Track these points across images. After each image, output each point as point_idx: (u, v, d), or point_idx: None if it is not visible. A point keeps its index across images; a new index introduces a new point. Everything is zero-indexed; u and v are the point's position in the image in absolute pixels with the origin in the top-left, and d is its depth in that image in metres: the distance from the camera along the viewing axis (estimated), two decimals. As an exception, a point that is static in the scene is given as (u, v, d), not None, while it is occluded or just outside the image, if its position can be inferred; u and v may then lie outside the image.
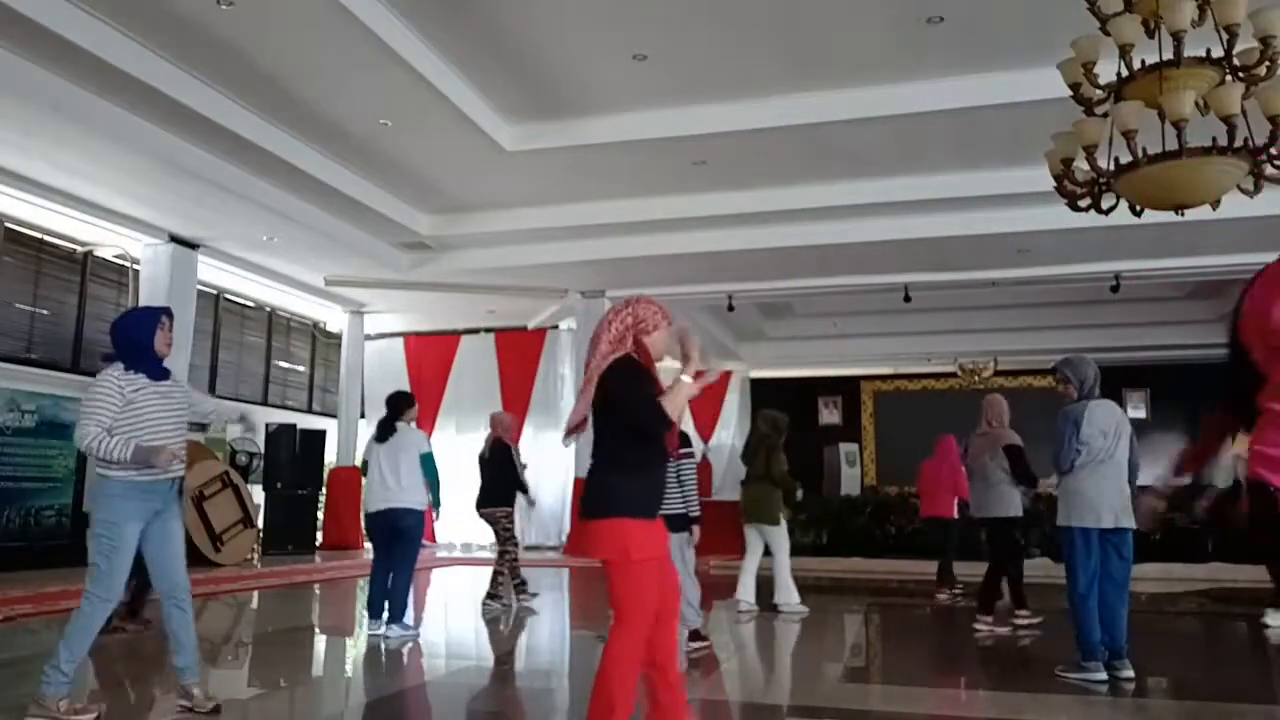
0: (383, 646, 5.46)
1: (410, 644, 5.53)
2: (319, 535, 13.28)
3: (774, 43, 6.95)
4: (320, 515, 13.46)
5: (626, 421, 2.85)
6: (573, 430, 2.96)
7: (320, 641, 6.15)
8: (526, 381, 14.34)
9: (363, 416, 14.57)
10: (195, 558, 9.71)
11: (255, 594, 7.96)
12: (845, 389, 17.87)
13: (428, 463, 5.85)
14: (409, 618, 5.77)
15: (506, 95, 7.90)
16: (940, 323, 14.62)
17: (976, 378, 15.59)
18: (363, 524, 5.52)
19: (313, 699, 4.32)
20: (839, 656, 5.57)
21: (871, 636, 6.46)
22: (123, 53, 6.55)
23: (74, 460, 9.59)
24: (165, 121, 7.59)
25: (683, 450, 5.17)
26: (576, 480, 12.31)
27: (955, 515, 8.39)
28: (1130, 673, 4.36)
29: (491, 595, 7.11)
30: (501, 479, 7.00)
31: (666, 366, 3.12)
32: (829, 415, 17.91)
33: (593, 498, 2.84)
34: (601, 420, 2.89)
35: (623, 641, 2.75)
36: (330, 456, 13.71)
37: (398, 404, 6.00)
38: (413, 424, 6.03)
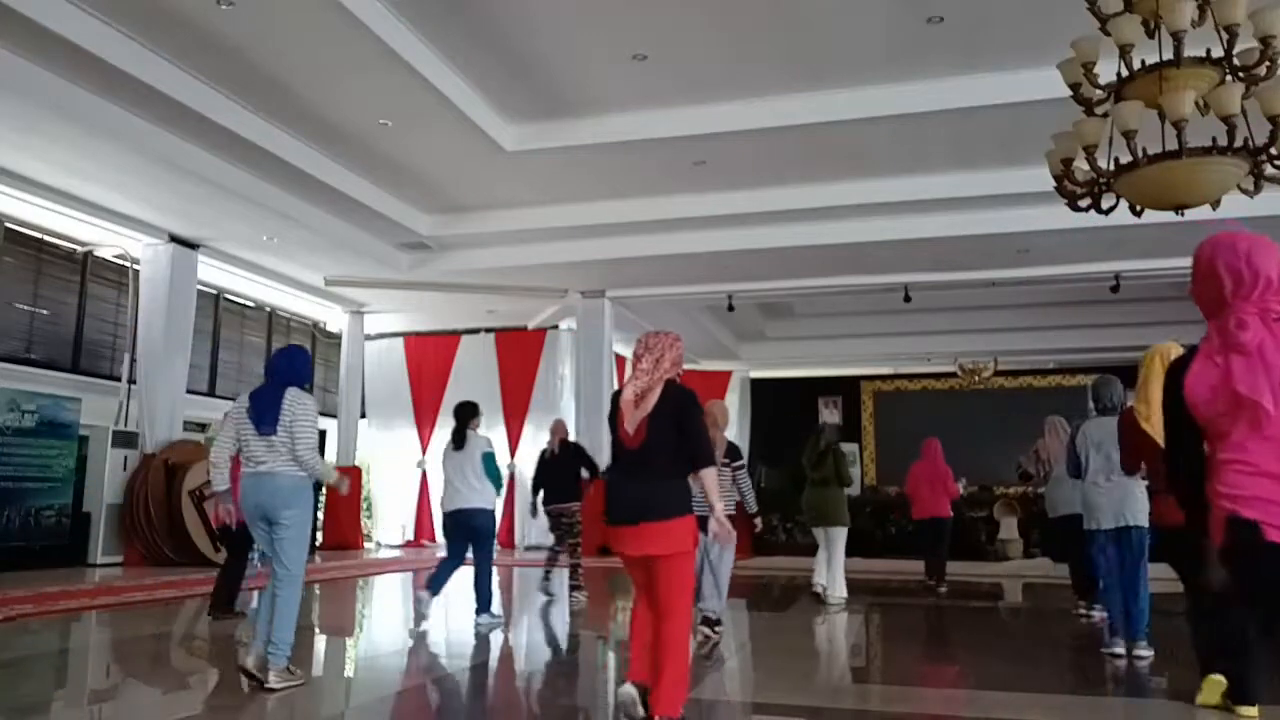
0: (476, 631, 5.98)
1: (497, 630, 6.06)
2: (319, 535, 13.27)
3: (774, 43, 6.95)
4: (320, 515, 13.46)
5: (697, 445, 3.43)
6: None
7: (320, 641, 6.15)
8: (526, 381, 14.35)
9: (363, 416, 14.58)
10: (195, 558, 9.72)
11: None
12: (845, 389, 17.87)
13: (488, 461, 6.24)
14: (495, 607, 6.23)
15: (506, 95, 7.90)
16: (940, 323, 14.62)
17: (976, 378, 15.59)
18: (439, 522, 6.50)
19: (313, 699, 4.32)
20: (839, 656, 5.57)
21: (871, 636, 6.46)
22: (123, 53, 6.55)
23: (74, 460, 9.60)
24: (165, 121, 7.60)
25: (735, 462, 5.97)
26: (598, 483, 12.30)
27: (951, 515, 8.91)
28: (1145, 652, 4.80)
29: (575, 586, 7.67)
30: (573, 476, 7.57)
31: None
32: (829, 415, 17.90)
33: (667, 498, 3.36)
34: (666, 435, 3.39)
35: (688, 623, 3.41)
36: (330, 456, 13.70)
37: (465, 414, 6.33)
38: (477, 430, 6.41)
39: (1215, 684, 3.77)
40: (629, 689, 3.38)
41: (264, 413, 4.21)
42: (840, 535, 7.76)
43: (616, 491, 3.46)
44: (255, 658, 4.07)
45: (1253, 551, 2.08)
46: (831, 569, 7.69)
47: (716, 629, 5.67)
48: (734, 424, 17.69)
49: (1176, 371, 2.30)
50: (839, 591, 7.62)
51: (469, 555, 6.26)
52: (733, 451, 6.02)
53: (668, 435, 3.39)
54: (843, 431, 17.43)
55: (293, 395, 4.27)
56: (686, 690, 3.40)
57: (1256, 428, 2.14)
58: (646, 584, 3.45)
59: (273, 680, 4.04)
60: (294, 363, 4.42)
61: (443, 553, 6.39)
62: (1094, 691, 4.44)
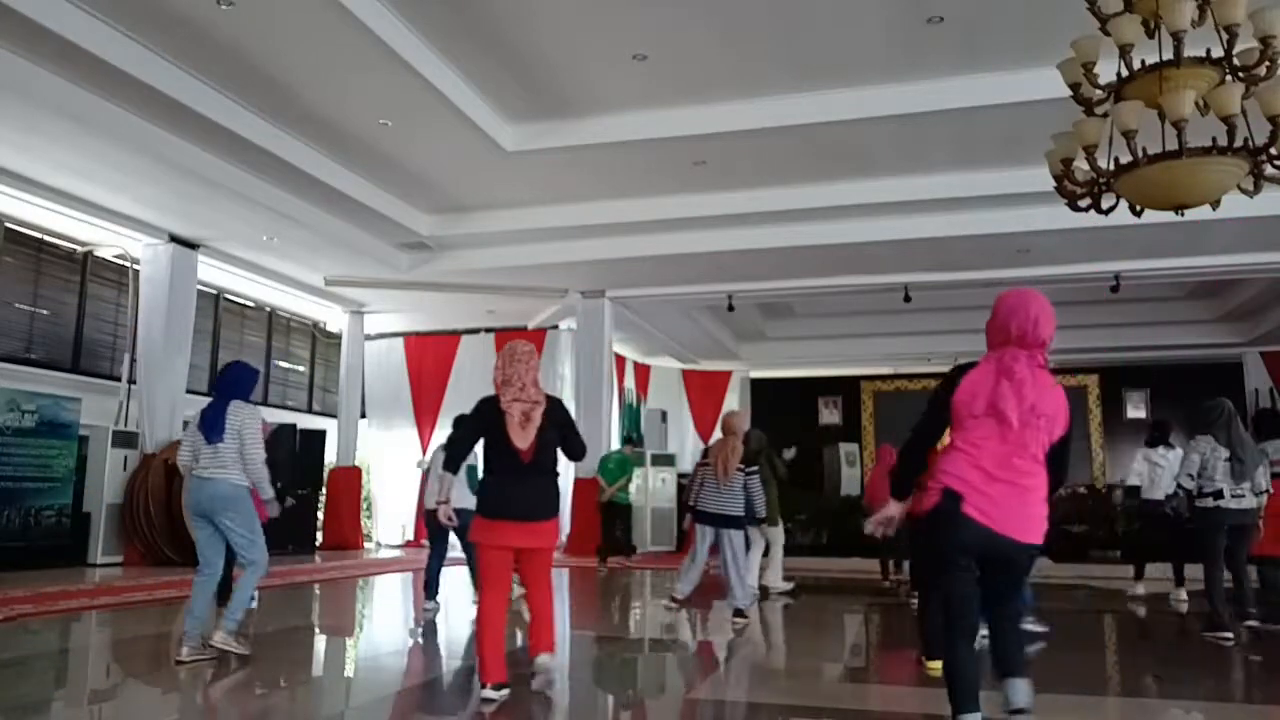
0: (436, 622, 6.41)
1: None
2: (319, 535, 13.27)
3: (774, 43, 6.96)
4: (320, 515, 13.46)
5: (576, 447, 4.12)
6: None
7: (320, 641, 6.15)
8: (526, 381, 14.30)
9: (363, 416, 14.57)
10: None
11: (255, 593, 7.95)
12: (845, 389, 17.85)
13: (472, 473, 6.71)
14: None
15: (506, 95, 7.90)
16: (940, 323, 14.61)
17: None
18: (424, 519, 7.01)
19: (313, 699, 4.32)
20: (839, 656, 5.57)
21: (871, 636, 6.46)
22: (123, 53, 6.55)
23: (74, 460, 9.60)
24: (165, 121, 7.59)
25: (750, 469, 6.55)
26: (578, 481, 12.30)
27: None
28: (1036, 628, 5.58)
29: None
30: None
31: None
32: (829, 415, 17.88)
33: (552, 500, 3.98)
34: (553, 446, 3.98)
35: (551, 585, 4.08)
36: (330, 456, 13.70)
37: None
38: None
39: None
40: (490, 693, 3.77)
41: (211, 424, 4.74)
42: (776, 533, 8.17)
43: (511, 492, 3.88)
44: (189, 649, 4.52)
45: (951, 518, 2.79)
46: (772, 564, 8.15)
47: (740, 619, 6.38)
48: (734, 424, 17.72)
49: (953, 375, 2.99)
50: (780, 582, 8.13)
51: (449, 553, 6.86)
52: (749, 459, 6.51)
53: (554, 446, 3.99)
54: (843, 431, 17.48)
55: (234, 406, 4.77)
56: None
57: (1000, 435, 2.79)
58: (509, 576, 3.98)
59: (217, 639, 4.59)
60: (231, 378, 4.93)
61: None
62: (1096, 691, 4.44)
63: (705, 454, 6.90)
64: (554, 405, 4.02)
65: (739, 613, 6.42)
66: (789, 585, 8.14)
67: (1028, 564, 2.90)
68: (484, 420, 3.96)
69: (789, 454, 8.56)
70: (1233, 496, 5.82)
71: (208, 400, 4.92)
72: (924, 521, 2.91)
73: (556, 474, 4.02)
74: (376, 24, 6.35)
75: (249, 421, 4.74)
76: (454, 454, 4.17)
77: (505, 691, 3.78)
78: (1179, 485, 6.24)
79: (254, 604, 5.85)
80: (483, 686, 3.79)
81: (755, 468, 6.57)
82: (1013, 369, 2.84)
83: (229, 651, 4.62)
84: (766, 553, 8.23)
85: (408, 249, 11.40)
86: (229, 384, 4.90)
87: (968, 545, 2.79)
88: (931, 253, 10.54)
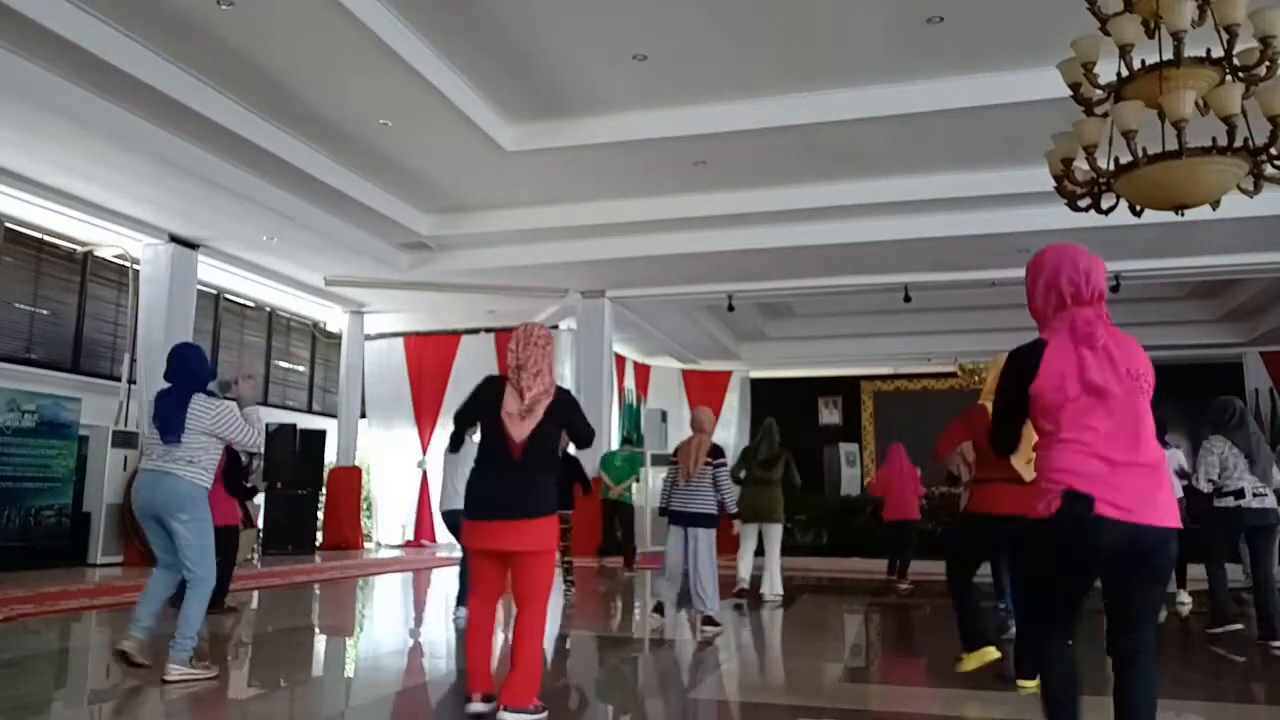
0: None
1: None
2: (319, 535, 13.27)
3: (774, 43, 6.96)
4: (320, 515, 13.46)
5: (584, 432, 3.67)
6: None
7: (320, 641, 6.15)
8: (527, 381, 14.30)
9: (363, 416, 14.57)
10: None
11: (255, 594, 7.96)
12: (845, 389, 17.86)
13: None
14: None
15: (506, 95, 7.90)
16: (940, 323, 14.62)
17: (976, 378, 15.59)
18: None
19: (313, 699, 4.32)
20: (839, 656, 5.57)
21: (871, 636, 6.46)
22: (123, 53, 6.55)
23: (74, 460, 9.59)
24: (165, 121, 7.59)
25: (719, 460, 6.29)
26: (593, 480, 12.29)
27: (919, 517, 9.47)
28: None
29: (569, 582, 7.81)
30: (567, 484, 7.29)
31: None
32: (829, 415, 17.89)
33: (539, 498, 3.48)
34: (549, 441, 3.55)
35: (543, 614, 3.51)
36: (330, 456, 13.71)
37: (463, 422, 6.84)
38: (474, 437, 6.73)
39: (981, 655, 4.32)
40: (478, 706, 3.47)
41: (166, 422, 4.16)
42: (778, 532, 8.05)
43: (494, 490, 3.49)
44: (133, 643, 4.20)
45: (1083, 524, 2.38)
46: (769, 567, 7.92)
47: (712, 627, 6.05)
48: (734, 424, 17.73)
49: (1023, 359, 2.57)
50: (776, 589, 7.87)
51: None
52: (714, 451, 6.33)
53: (551, 441, 3.56)
54: (843, 431, 17.48)
55: (200, 405, 4.22)
56: (538, 684, 3.43)
57: (1108, 413, 2.44)
58: (497, 581, 3.57)
59: (172, 673, 4.06)
60: (186, 364, 4.35)
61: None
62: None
63: (675, 452, 6.60)
64: (560, 399, 3.58)
65: (709, 620, 6.09)
66: (780, 593, 7.88)
67: (1172, 559, 2.46)
68: (482, 402, 3.61)
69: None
70: (1254, 495, 5.58)
71: (157, 394, 4.40)
72: (1042, 530, 2.47)
73: (550, 474, 3.58)
74: (376, 24, 6.35)
75: (222, 420, 4.22)
76: (453, 433, 4.07)
77: (494, 703, 3.41)
78: (1194, 487, 6.02)
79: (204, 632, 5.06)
80: (467, 698, 3.51)
81: (724, 460, 6.31)
82: (1092, 335, 2.47)
83: (192, 681, 4.09)
84: (760, 551, 8.12)
85: (408, 249, 11.40)
86: (180, 372, 4.33)
87: (1103, 550, 2.39)
88: (931, 253, 10.54)
